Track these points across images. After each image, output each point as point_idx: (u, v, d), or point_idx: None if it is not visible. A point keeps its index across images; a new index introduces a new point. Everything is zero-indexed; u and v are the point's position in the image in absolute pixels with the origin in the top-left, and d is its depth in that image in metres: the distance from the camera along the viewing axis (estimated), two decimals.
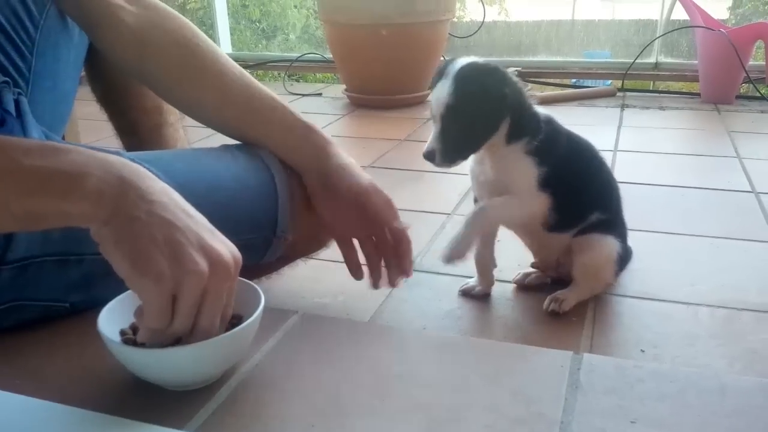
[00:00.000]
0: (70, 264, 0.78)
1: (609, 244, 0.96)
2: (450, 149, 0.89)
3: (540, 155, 0.90)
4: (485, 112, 0.88)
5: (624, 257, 1.00)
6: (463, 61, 0.89)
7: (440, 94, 0.88)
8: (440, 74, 0.90)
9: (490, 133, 0.89)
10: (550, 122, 0.92)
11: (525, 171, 0.91)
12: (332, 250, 1.18)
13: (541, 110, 0.93)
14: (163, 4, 0.90)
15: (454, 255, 0.94)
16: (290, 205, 0.88)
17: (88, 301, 0.78)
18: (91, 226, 0.59)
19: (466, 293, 1.04)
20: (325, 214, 0.89)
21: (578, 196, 0.95)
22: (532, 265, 1.06)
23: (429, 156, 0.90)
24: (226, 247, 0.63)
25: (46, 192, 0.57)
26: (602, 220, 0.97)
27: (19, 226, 0.61)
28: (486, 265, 1.03)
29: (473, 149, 0.91)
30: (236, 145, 0.91)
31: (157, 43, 0.87)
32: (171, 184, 0.65)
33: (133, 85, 1.09)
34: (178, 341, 0.67)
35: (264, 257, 0.89)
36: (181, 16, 0.91)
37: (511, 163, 0.91)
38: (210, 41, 0.91)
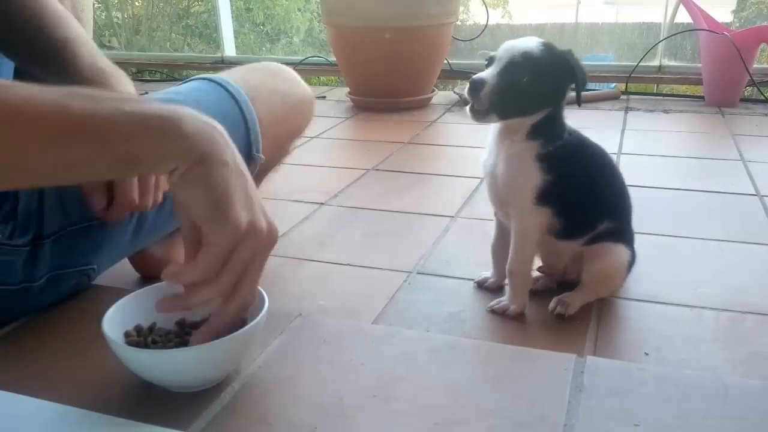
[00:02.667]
0: (93, 228, 0.85)
1: (620, 252, 0.96)
2: (500, 92, 0.86)
3: (550, 162, 0.89)
4: (551, 86, 0.87)
5: (632, 263, 1.00)
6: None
7: (521, 42, 0.87)
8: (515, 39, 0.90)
9: (537, 109, 0.88)
10: (571, 133, 0.93)
11: (527, 180, 0.90)
12: (337, 254, 1.18)
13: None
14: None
15: (513, 311, 0.96)
16: (259, 127, 0.96)
17: (108, 261, 0.90)
18: (181, 166, 0.60)
19: (480, 285, 1.05)
20: None
21: (590, 206, 0.95)
22: (539, 269, 1.06)
23: (477, 85, 0.86)
24: (270, 218, 0.65)
25: (147, 133, 0.59)
26: (613, 229, 0.97)
27: (114, 170, 0.63)
28: (501, 256, 1.02)
29: (514, 111, 0.89)
30: (200, 78, 0.97)
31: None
32: None
33: None
34: (185, 343, 0.68)
35: None
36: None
37: (519, 164, 0.91)
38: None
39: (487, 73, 0.87)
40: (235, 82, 0.99)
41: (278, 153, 1.10)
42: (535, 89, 0.87)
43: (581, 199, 0.94)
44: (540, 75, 0.86)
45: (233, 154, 0.63)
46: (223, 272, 0.61)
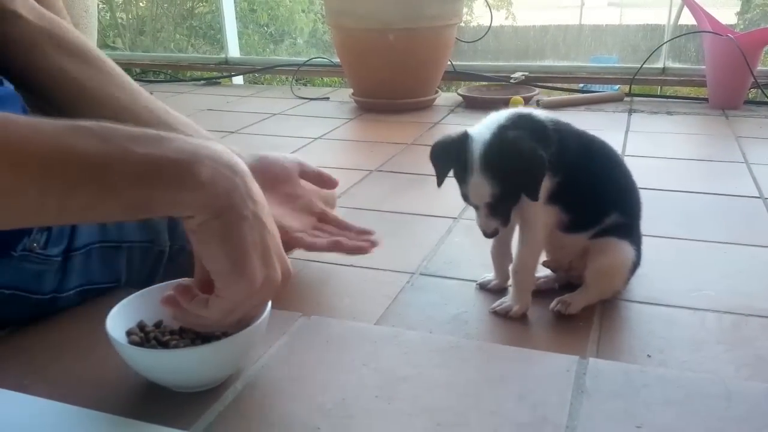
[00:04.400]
0: (121, 250, 0.88)
1: (625, 250, 0.96)
2: (503, 221, 0.92)
3: (552, 165, 0.89)
4: (523, 182, 0.88)
5: (636, 264, 1.00)
6: (478, 136, 0.89)
7: (480, 187, 0.88)
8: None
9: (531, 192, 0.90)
10: (558, 129, 0.92)
11: None
12: (340, 255, 1.18)
13: (550, 115, 0.93)
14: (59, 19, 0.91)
15: (517, 312, 0.96)
16: None
17: (137, 278, 0.89)
18: (198, 217, 0.57)
19: (482, 287, 1.05)
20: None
21: (592, 198, 0.95)
22: (544, 264, 1.06)
23: (493, 234, 0.93)
24: (285, 260, 0.65)
25: (161, 180, 0.55)
26: (621, 224, 0.97)
27: (124, 215, 0.60)
28: (502, 259, 1.03)
29: (516, 202, 0.92)
30: None
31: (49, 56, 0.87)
32: None
33: None
34: (189, 342, 0.68)
35: None
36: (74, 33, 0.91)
37: None
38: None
39: (486, 221, 0.92)
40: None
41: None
42: (518, 193, 0.90)
43: (586, 189, 0.94)
44: (513, 190, 0.89)
45: (254, 203, 0.60)
46: (232, 315, 0.63)
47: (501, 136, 0.88)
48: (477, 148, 0.88)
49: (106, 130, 0.55)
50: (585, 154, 0.95)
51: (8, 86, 0.83)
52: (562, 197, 0.92)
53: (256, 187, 0.62)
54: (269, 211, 0.63)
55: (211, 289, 0.62)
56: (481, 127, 0.91)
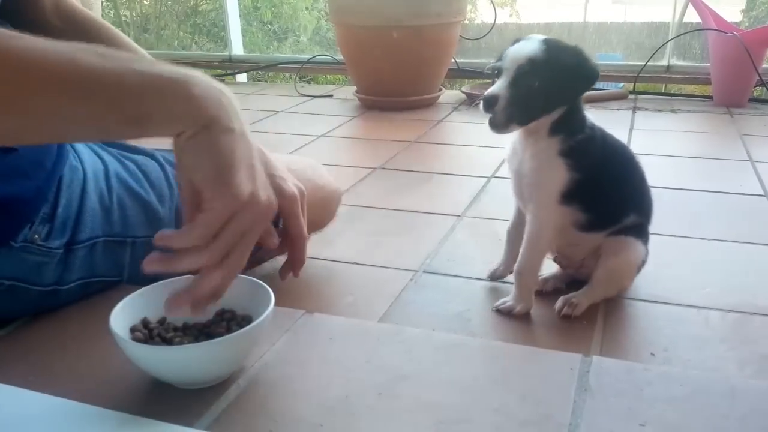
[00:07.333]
0: (125, 245, 0.88)
1: (638, 249, 0.96)
2: (515, 103, 0.86)
3: (573, 157, 0.89)
4: (563, 86, 0.86)
5: (644, 262, 1.00)
6: (542, 36, 0.89)
7: (524, 47, 0.86)
8: (517, 40, 0.89)
9: (556, 106, 0.88)
10: (592, 126, 0.93)
11: (553, 177, 0.91)
12: (344, 253, 1.19)
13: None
14: (84, 14, 0.91)
15: (520, 311, 0.96)
16: None
17: (140, 275, 0.83)
18: (188, 130, 0.60)
19: (492, 278, 1.06)
20: None
21: (610, 200, 0.95)
22: (554, 260, 1.06)
23: (490, 100, 0.86)
24: (271, 191, 0.66)
25: (158, 93, 0.59)
26: (637, 223, 0.97)
27: (124, 130, 0.63)
28: (515, 238, 1.02)
29: (532, 116, 0.88)
30: None
31: None
32: None
33: None
34: (193, 339, 0.68)
35: None
36: (105, 24, 0.92)
37: (544, 162, 0.91)
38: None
39: (498, 87, 0.87)
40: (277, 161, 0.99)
41: None
42: (548, 92, 0.87)
43: (608, 190, 0.94)
44: (550, 77, 0.85)
45: (240, 122, 0.63)
46: (217, 240, 0.61)
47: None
48: (539, 35, 0.88)
49: (107, 51, 0.60)
50: (606, 155, 0.94)
51: None
52: (580, 196, 0.91)
53: (241, 115, 0.65)
54: (258, 145, 0.66)
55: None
56: None
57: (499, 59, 0.88)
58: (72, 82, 0.56)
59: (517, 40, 0.90)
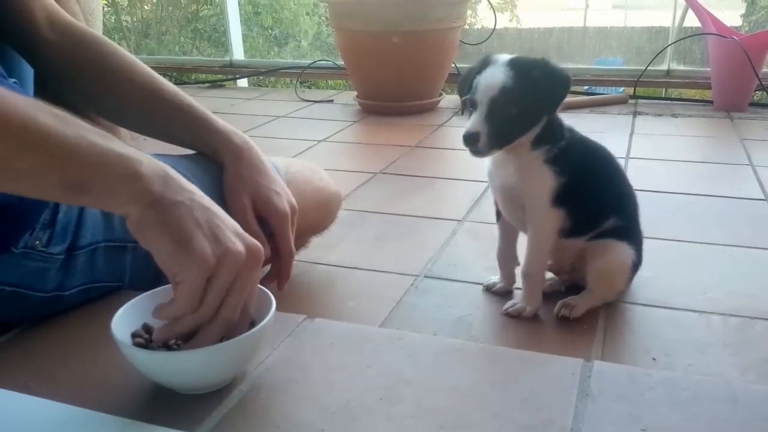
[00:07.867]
0: (126, 250, 0.87)
1: (623, 250, 0.96)
2: (495, 133, 0.87)
3: (559, 164, 0.90)
4: (540, 101, 0.87)
5: (637, 265, 1.00)
6: (506, 55, 0.89)
7: (493, 77, 0.86)
8: (483, 64, 0.89)
9: (533, 125, 0.89)
10: (570, 130, 0.93)
11: (542, 183, 0.91)
12: (345, 257, 1.19)
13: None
14: (78, 27, 0.92)
15: (530, 312, 0.97)
16: None
17: (141, 280, 0.86)
18: (133, 212, 0.61)
19: (488, 290, 1.05)
20: None
21: (593, 203, 0.96)
22: (548, 269, 1.06)
23: (472, 138, 0.87)
24: (253, 239, 0.66)
25: (104, 164, 0.60)
26: (617, 227, 0.97)
27: (61, 194, 0.63)
28: (507, 262, 1.03)
29: (514, 138, 0.89)
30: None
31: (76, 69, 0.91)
32: None
33: None
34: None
35: None
36: (98, 37, 0.94)
37: (531, 172, 0.92)
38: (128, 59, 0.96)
39: (476, 122, 0.87)
40: (277, 163, 1.00)
41: (296, 242, 1.08)
42: (526, 114, 0.88)
43: (593, 191, 0.95)
44: (525, 100, 0.86)
45: (190, 193, 0.64)
46: (204, 303, 0.63)
47: (536, 58, 0.89)
48: (503, 57, 0.88)
49: (67, 116, 0.60)
50: (588, 158, 0.95)
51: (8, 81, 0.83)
52: (568, 200, 0.92)
53: (191, 185, 0.65)
54: (212, 201, 0.66)
55: None
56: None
57: (471, 91, 0.89)
58: (20, 136, 0.56)
59: (484, 63, 0.89)
